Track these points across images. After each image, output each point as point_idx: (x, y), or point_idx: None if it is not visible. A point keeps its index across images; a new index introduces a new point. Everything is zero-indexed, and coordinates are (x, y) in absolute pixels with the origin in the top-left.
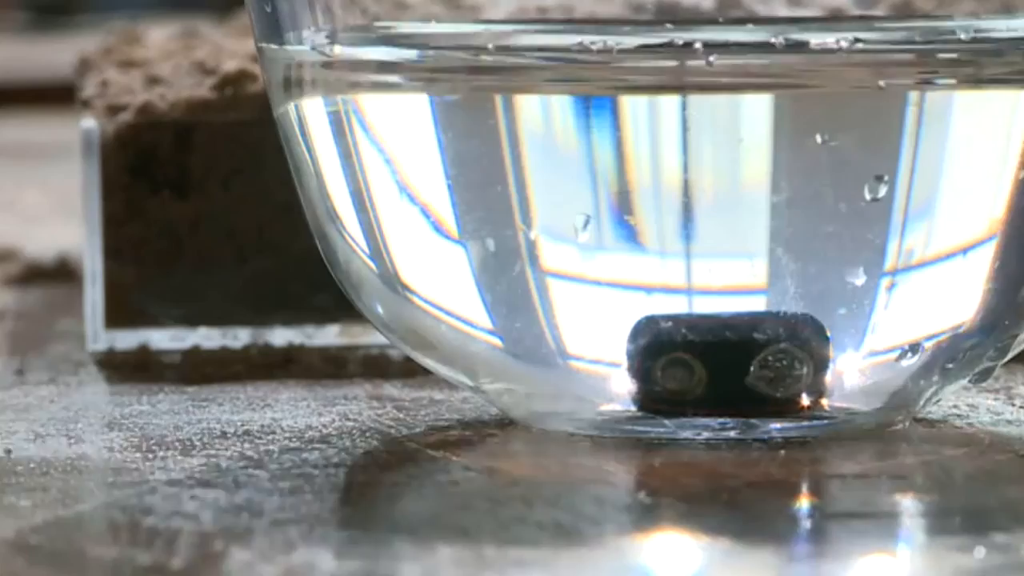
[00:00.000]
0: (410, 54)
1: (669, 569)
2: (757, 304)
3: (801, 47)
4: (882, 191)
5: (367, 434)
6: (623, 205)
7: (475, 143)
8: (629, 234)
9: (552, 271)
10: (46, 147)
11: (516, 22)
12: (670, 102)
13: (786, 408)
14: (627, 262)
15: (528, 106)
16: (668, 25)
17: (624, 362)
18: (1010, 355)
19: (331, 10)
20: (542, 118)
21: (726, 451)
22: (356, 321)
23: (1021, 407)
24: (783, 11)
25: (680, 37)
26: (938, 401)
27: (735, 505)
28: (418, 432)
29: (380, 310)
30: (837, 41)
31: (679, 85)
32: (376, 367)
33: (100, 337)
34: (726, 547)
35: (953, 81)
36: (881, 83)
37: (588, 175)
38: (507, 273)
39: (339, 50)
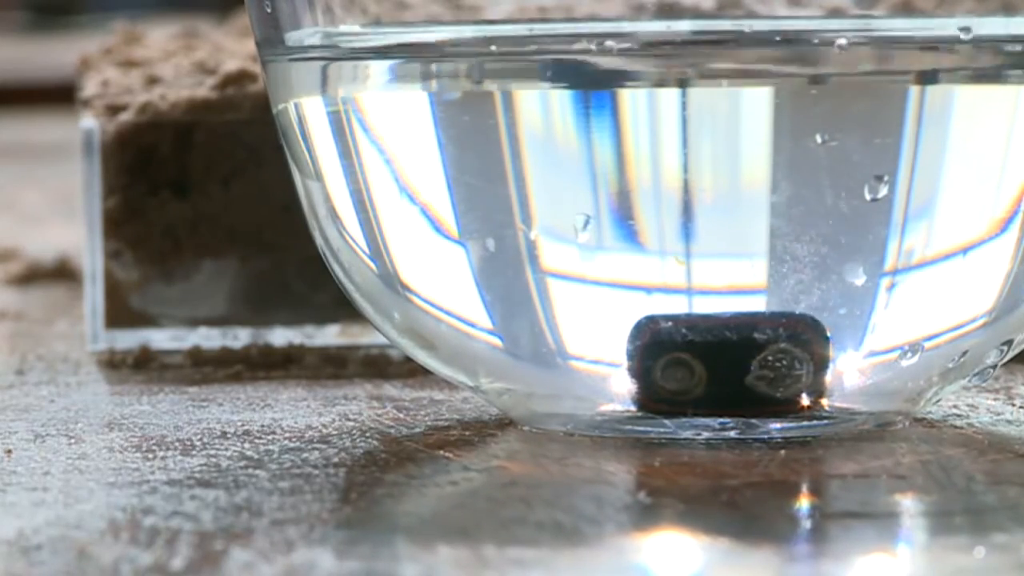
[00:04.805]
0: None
1: (669, 569)
2: (757, 304)
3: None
4: (882, 191)
5: (367, 434)
6: (623, 205)
7: (475, 142)
8: (629, 234)
9: (552, 271)
10: (46, 147)
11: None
12: (669, 101)
13: (786, 408)
14: (627, 262)
15: (528, 105)
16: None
17: (624, 362)
18: (1010, 355)
19: (331, 10)
20: (542, 117)
21: (726, 451)
22: (356, 321)
23: (1021, 407)
24: (782, 10)
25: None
26: (938, 401)
27: (735, 505)
28: (418, 432)
29: (380, 310)
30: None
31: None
32: (376, 367)
33: (100, 337)
34: (726, 547)
35: (955, 55)
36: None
37: (588, 175)
38: (507, 273)
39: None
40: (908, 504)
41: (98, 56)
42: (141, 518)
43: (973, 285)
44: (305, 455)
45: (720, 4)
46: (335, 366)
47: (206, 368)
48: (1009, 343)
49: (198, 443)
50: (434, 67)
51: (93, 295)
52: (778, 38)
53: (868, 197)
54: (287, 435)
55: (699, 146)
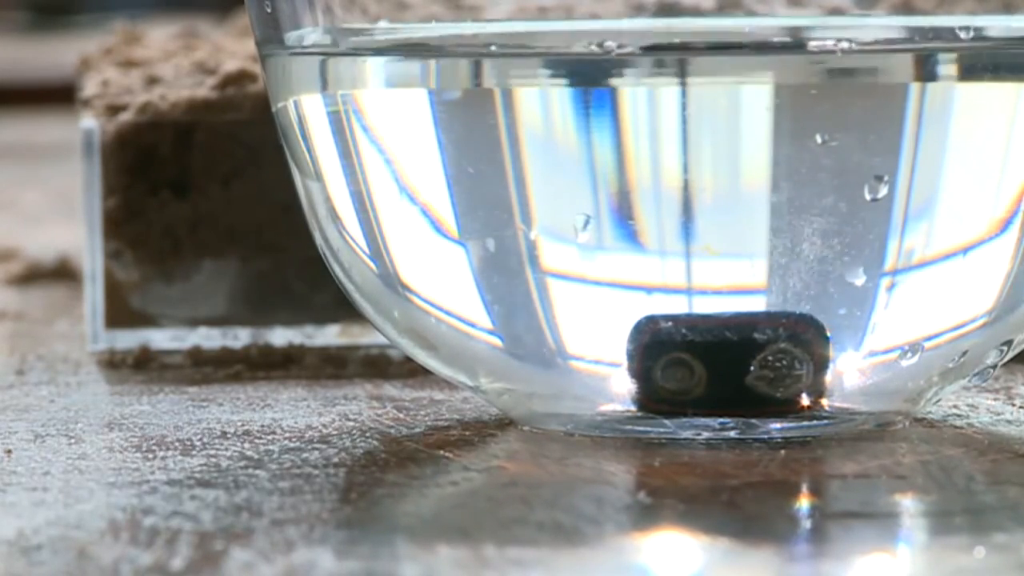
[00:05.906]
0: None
1: (669, 569)
2: (757, 304)
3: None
4: (882, 191)
5: (367, 434)
6: (623, 205)
7: (475, 142)
8: (629, 234)
9: (552, 271)
10: (46, 147)
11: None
12: (670, 101)
13: (786, 408)
14: (627, 262)
15: (528, 105)
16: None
17: (624, 362)
18: (1010, 355)
19: (331, 10)
20: (542, 117)
21: (726, 451)
22: (356, 321)
23: (1021, 407)
24: (782, 11)
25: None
26: (938, 401)
27: (735, 505)
28: (418, 432)
29: (380, 310)
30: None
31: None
32: (376, 367)
33: (100, 337)
34: (726, 547)
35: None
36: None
37: (588, 175)
38: (507, 273)
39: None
40: (908, 504)
41: (98, 56)
42: (141, 518)
43: (973, 285)
44: (305, 455)
45: (720, 4)
46: (335, 366)
47: (206, 368)
48: (1009, 343)
49: (198, 443)
50: (434, 66)
51: (93, 295)
52: (777, 39)
53: (868, 197)
54: (287, 435)
55: (699, 146)
